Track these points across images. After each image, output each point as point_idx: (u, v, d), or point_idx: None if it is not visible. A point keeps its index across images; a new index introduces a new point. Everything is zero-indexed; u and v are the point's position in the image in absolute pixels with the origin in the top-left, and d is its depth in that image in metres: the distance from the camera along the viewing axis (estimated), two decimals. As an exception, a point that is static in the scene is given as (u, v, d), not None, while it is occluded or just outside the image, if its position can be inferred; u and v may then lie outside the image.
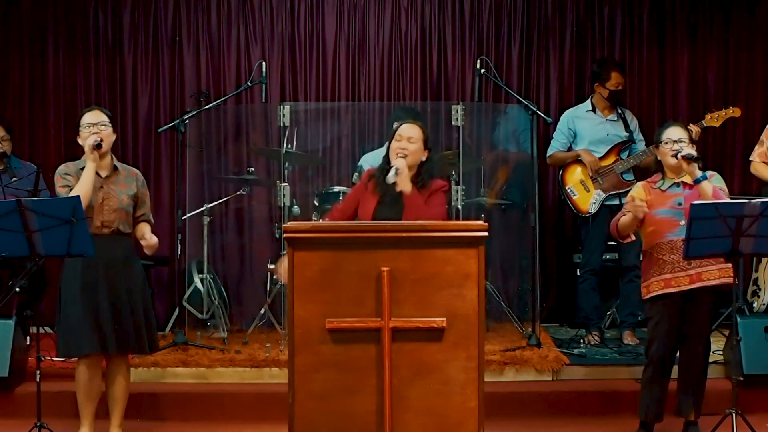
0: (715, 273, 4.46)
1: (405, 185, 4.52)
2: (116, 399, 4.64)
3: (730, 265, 4.40)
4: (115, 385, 4.63)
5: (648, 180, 4.70)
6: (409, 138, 4.63)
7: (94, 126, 4.47)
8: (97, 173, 4.48)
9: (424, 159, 4.66)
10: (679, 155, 4.47)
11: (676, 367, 4.68)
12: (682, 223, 4.38)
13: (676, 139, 4.55)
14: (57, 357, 4.76)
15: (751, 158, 5.87)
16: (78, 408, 4.60)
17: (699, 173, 4.44)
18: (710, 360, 4.72)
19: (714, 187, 4.44)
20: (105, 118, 4.52)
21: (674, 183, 4.56)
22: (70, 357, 4.66)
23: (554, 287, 7.11)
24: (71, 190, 4.41)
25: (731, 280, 4.43)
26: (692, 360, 4.60)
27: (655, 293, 4.53)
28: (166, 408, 5.27)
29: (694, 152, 4.46)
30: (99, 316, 4.45)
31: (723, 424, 4.38)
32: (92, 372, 4.56)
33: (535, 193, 6.00)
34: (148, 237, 4.58)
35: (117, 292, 4.50)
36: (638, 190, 4.65)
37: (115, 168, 4.58)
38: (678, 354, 4.65)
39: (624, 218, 4.55)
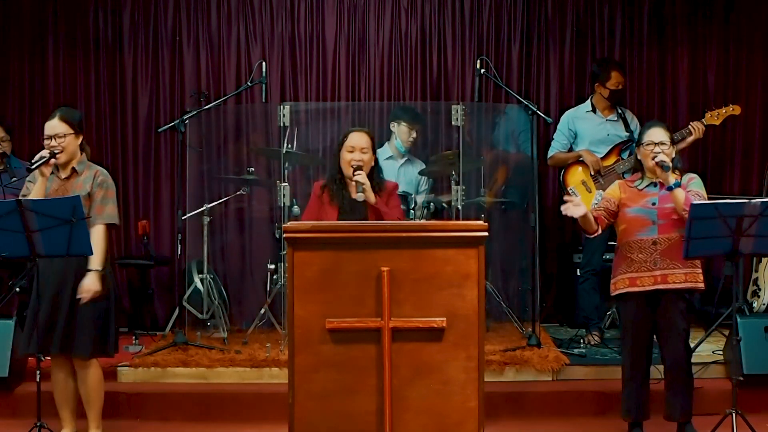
0: (681, 276, 4.47)
1: (371, 197, 4.62)
2: (85, 401, 4.62)
3: (699, 270, 4.43)
4: (83, 387, 4.60)
5: (626, 179, 4.75)
6: (361, 149, 4.70)
7: (53, 138, 4.47)
8: (57, 176, 4.52)
9: (373, 163, 4.78)
10: (652, 161, 4.49)
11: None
12: (654, 222, 4.42)
13: (657, 141, 4.56)
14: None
15: None
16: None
17: (672, 180, 4.44)
18: (710, 360, 4.73)
19: (686, 195, 4.43)
20: (62, 129, 4.48)
21: (651, 183, 4.58)
22: (20, 355, 4.75)
23: (554, 287, 7.11)
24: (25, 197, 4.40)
25: (700, 285, 4.46)
26: (673, 361, 4.57)
27: (620, 291, 4.57)
28: (166, 408, 5.27)
29: (667, 161, 4.48)
30: (40, 317, 4.43)
31: (723, 424, 4.39)
32: (61, 373, 4.58)
33: (535, 193, 6.01)
34: (86, 284, 4.38)
35: (65, 294, 4.42)
36: (613, 188, 4.69)
37: (74, 170, 4.55)
38: (662, 356, 4.65)
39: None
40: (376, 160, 4.86)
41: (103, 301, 4.48)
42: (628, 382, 4.64)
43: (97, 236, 4.43)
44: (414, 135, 6.45)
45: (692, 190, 4.50)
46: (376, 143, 4.94)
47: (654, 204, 4.51)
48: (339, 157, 4.84)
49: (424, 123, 6.65)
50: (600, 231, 4.64)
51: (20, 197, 4.35)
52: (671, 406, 4.60)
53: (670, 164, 4.48)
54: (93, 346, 4.51)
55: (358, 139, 4.75)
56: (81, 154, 4.60)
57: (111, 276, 4.58)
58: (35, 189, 4.45)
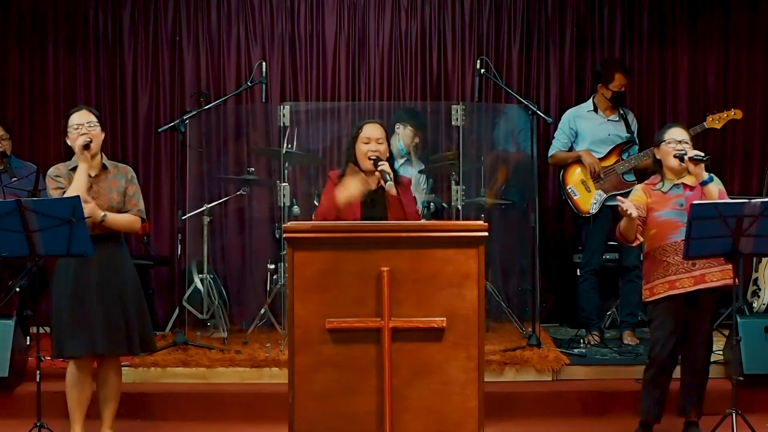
0: (717, 274, 4.47)
1: (392, 188, 4.53)
2: (107, 401, 4.61)
3: (730, 266, 4.40)
4: (107, 386, 4.60)
5: (646, 182, 4.68)
6: (377, 140, 4.64)
7: (82, 126, 4.45)
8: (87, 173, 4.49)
9: (387, 155, 4.70)
10: (686, 157, 4.47)
11: (678, 367, 4.69)
12: (685, 224, 4.38)
13: (679, 139, 4.55)
14: (51, 358, 4.71)
15: None
16: (68, 411, 4.57)
17: (706, 175, 4.45)
18: (710, 360, 4.72)
19: (719, 190, 4.45)
20: (93, 118, 4.49)
21: (674, 185, 4.56)
22: (62, 358, 4.62)
23: (554, 287, 7.11)
24: (64, 192, 4.39)
25: (731, 281, 4.43)
26: (695, 360, 4.61)
27: (660, 295, 4.51)
28: (166, 408, 5.26)
29: (701, 153, 4.47)
30: (89, 317, 4.42)
31: (723, 424, 4.38)
32: (83, 375, 4.54)
33: (535, 193, 6.01)
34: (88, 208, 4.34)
35: (108, 293, 4.46)
36: (638, 193, 4.63)
37: (104, 167, 4.56)
38: (680, 355, 4.65)
39: (621, 222, 4.53)
40: (391, 153, 4.79)
41: (142, 298, 4.63)
42: (654, 385, 4.59)
43: (128, 216, 4.53)
44: (417, 140, 6.45)
45: (719, 187, 4.50)
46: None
47: (681, 205, 4.47)
48: (353, 149, 4.75)
49: (424, 123, 6.65)
50: (641, 238, 4.57)
51: (53, 196, 4.37)
52: (686, 403, 4.62)
53: (704, 156, 4.46)
54: (144, 345, 4.61)
55: (372, 130, 4.69)
56: (102, 153, 4.61)
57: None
58: (79, 178, 4.37)
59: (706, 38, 7.16)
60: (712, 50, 7.16)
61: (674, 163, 4.51)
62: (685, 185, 4.53)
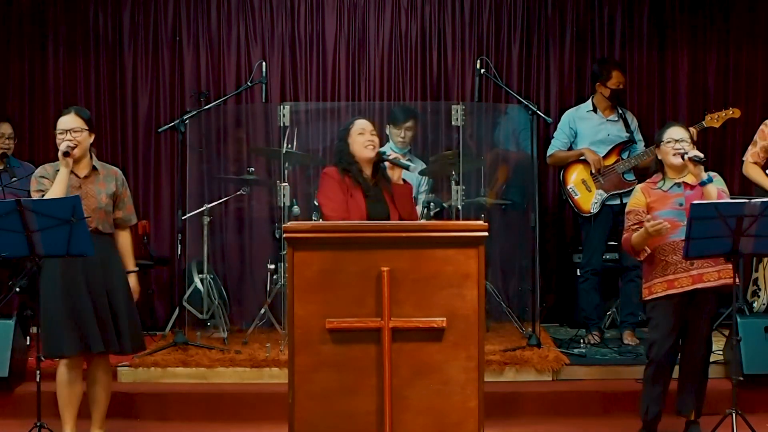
0: (715, 274, 4.47)
1: (397, 174, 4.54)
2: (97, 401, 4.61)
3: (729, 266, 4.40)
4: (96, 386, 4.60)
5: (647, 181, 4.68)
6: (371, 131, 4.66)
7: (68, 132, 4.47)
8: (76, 174, 4.50)
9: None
10: (686, 156, 4.47)
11: (677, 367, 4.69)
12: (684, 223, 4.38)
13: (678, 138, 4.55)
14: (42, 357, 4.61)
15: (743, 158, 5.84)
16: (59, 410, 4.56)
17: (705, 175, 4.45)
18: (710, 360, 4.72)
19: (718, 190, 4.45)
20: (79, 123, 4.50)
21: (675, 183, 4.56)
22: (53, 358, 4.58)
23: (554, 287, 7.11)
24: (44, 195, 4.39)
25: (731, 281, 4.44)
26: (693, 360, 4.61)
27: (659, 294, 4.52)
28: (166, 408, 5.27)
29: (701, 154, 4.47)
30: (80, 316, 4.42)
31: (723, 424, 4.38)
32: (73, 374, 4.54)
33: (535, 193, 6.00)
34: (132, 285, 4.66)
35: (97, 292, 4.45)
36: (637, 195, 4.63)
37: (94, 168, 4.57)
38: (679, 354, 4.65)
39: (637, 235, 4.48)
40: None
41: (130, 298, 4.63)
42: (653, 384, 4.61)
43: (130, 238, 4.73)
44: (403, 135, 6.39)
45: (719, 187, 4.50)
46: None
47: (681, 205, 4.48)
48: (347, 144, 4.77)
49: (416, 116, 6.52)
50: (649, 251, 4.53)
51: (35, 196, 4.38)
52: (684, 403, 4.62)
53: (703, 157, 4.47)
54: (134, 344, 4.60)
55: (365, 123, 4.72)
56: (92, 153, 4.62)
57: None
58: (59, 181, 4.39)
59: (706, 38, 7.17)
60: (712, 50, 7.16)
61: (676, 161, 4.51)
62: (686, 184, 4.54)
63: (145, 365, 5.51)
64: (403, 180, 4.90)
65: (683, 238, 4.30)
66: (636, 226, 4.54)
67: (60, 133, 4.49)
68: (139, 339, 4.66)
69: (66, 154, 4.40)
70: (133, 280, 4.66)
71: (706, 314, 4.57)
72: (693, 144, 4.62)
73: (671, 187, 4.56)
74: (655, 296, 4.54)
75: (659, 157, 4.64)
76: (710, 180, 4.46)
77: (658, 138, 4.65)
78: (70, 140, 4.44)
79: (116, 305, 4.50)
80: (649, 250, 4.54)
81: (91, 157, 4.59)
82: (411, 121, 6.39)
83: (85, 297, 4.44)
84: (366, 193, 4.67)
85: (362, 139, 4.66)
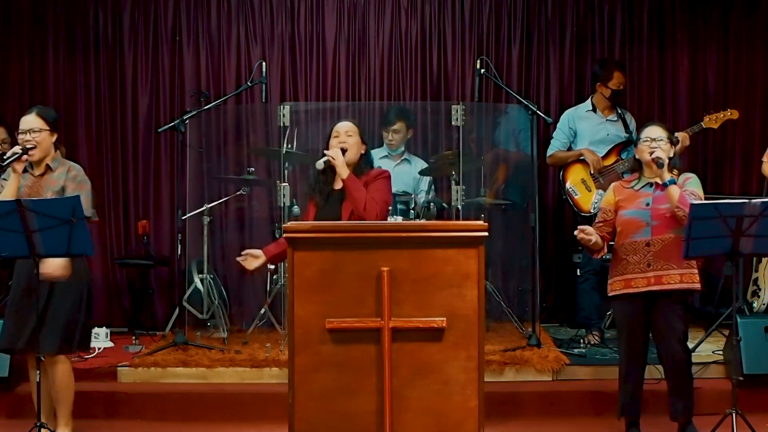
0: (677, 277, 4.47)
1: (343, 171, 4.51)
2: (54, 399, 4.56)
3: (695, 270, 4.43)
4: (52, 384, 4.54)
5: (623, 180, 4.76)
6: (345, 132, 4.65)
7: (27, 132, 4.47)
8: (31, 173, 4.51)
9: (363, 152, 4.69)
10: (651, 156, 4.50)
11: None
12: (647, 224, 4.43)
13: (654, 137, 4.57)
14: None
15: (763, 159, 5.78)
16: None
17: (668, 177, 4.46)
18: (709, 360, 4.73)
19: (682, 192, 4.44)
20: (39, 124, 4.49)
21: (648, 183, 4.58)
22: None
23: (554, 287, 7.11)
24: None
25: (695, 285, 4.47)
26: (672, 362, 4.59)
27: (616, 292, 4.58)
28: (166, 408, 5.27)
29: (663, 157, 4.49)
30: (18, 313, 4.44)
31: (723, 424, 4.38)
32: (32, 372, 4.52)
33: (535, 193, 6.01)
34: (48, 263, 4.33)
35: (36, 291, 4.32)
36: (608, 193, 4.70)
37: (48, 166, 4.54)
38: (659, 356, 4.66)
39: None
40: (367, 149, 4.79)
41: (74, 295, 4.48)
42: (623, 382, 4.66)
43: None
44: (391, 137, 6.40)
45: (688, 189, 4.50)
46: (376, 144, 4.93)
47: (648, 204, 4.51)
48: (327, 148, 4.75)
49: (406, 118, 6.50)
50: (606, 249, 4.61)
51: None
52: (673, 407, 4.61)
53: (666, 160, 4.48)
54: (60, 342, 4.44)
55: (341, 126, 4.69)
56: (55, 152, 4.59)
57: (85, 271, 4.56)
58: (8, 186, 4.43)
59: (706, 38, 7.16)
60: (712, 50, 7.15)
61: (647, 158, 4.55)
62: (657, 184, 4.55)
63: (145, 365, 5.51)
64: (378, 167, 4.84)
65: (645, 238, 4.36)
66: (601, 224, 4.61)
67: (20, 133, 4.50)
68: (61, 339, 4.44)
69: (23, 153, 4.39)
70: (54, 261, 4.30)
71: (673, 316, 4.51)
72: (672, 145, 4.63)
73: (643, 186, 4.59)
74: (613, 293, 4.60)
75: (636, 156, 4.66)
76: (673, 182, 4.46)
77: (637, 136, 4.68)
78: (29, 140, 4.45)
79: (54, 305, 4.43)
80: (606, 249, 4.60)
81: (53, 155, 4.56)
82: (399, 124, 6.41)
83: (22, 294, 4.45)
84: (317, 203, 4.65)
85: (334, 142, 4.66)
